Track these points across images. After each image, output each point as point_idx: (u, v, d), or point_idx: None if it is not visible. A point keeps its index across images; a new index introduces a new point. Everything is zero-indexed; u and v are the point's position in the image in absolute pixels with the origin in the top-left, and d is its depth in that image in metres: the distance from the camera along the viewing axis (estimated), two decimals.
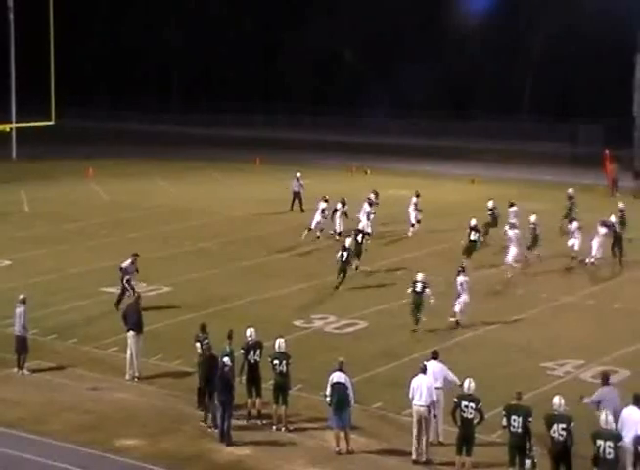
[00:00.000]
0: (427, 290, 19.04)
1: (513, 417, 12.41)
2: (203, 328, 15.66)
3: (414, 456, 13.49)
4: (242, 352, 14.87)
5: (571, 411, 12.37)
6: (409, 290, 19.29)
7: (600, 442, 11.59)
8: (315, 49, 62.31)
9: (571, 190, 29.64)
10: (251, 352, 14.83)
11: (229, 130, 58.43)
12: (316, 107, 60.82)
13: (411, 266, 24.44)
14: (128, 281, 20.47)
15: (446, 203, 33.55)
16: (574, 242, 24.49)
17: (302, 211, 31.68)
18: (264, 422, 14.73)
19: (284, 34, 64.09)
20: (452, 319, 19.43)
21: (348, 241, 23.13)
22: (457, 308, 19.36)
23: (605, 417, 11.79)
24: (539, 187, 34.82)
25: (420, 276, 19.20)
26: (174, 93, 69.08)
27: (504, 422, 12.53)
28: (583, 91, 44.18)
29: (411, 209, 28.51)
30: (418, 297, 19.06)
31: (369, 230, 26.64)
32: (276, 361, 14.55)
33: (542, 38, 54.04)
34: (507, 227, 24.88)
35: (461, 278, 19.41)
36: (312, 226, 27.72)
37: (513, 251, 23.75)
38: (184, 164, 44.87)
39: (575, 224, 24.96)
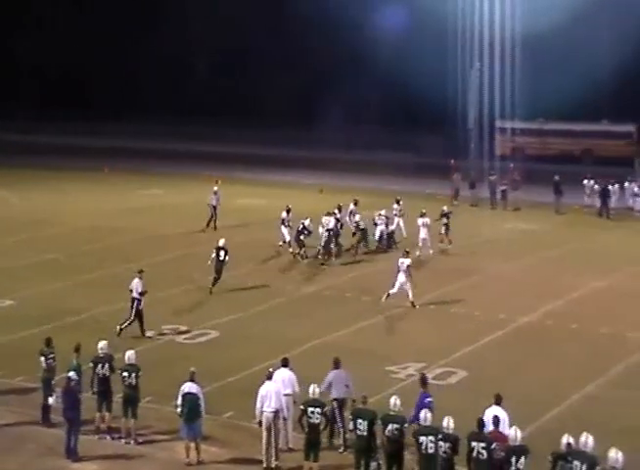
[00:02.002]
0: (227, 257, 22.51)
1: (359, 421, 12.81)
2: (48, 342, 15.28)
3: (264, 464, 13.71)
4: (91, 365, 14.63)
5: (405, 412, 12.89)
6: (212, 255, 22.64)
7: (422, 438, 12.16)
8: (165, 56, 61.71)
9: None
10: (100, 366, 14.62)
11: (77, 139, 56.72)
12: (166, 115, 60.18)
13: (263, 277, 24.81)
14: None
15: (296, 212, 34.02)
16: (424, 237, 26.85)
17: (215, 228, 30.17)
18: (114, 436, 14.53)
19: (137, 39, 63.00)
20: (410, 299, 21.58)
21: (222, 241, 23.28)
22: (410, 294, 21.63)
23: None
24: (385, 196, 36.05)
25: (222, 242, 22.59)
26: (22, 101, 66.29)
27: (351, 426, 12.94)
28: (427, 103, 46.06)
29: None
30: (219, 264, 22.54)
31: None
32: (125, 373, 14.41)
33: (388, 50, 55.89)
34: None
35: (404, 260, 21.72)
36: (286, 239, 26.98)
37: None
38: (29, 173, 43.20)
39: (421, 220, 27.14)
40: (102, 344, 14.85)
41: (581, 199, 36.59)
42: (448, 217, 28.57)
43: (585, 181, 36.92)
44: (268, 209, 31.07)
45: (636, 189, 35.50)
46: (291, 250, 26.85)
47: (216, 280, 22.95)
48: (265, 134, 56.70)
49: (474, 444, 11.98)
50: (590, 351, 19.07)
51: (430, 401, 13.47)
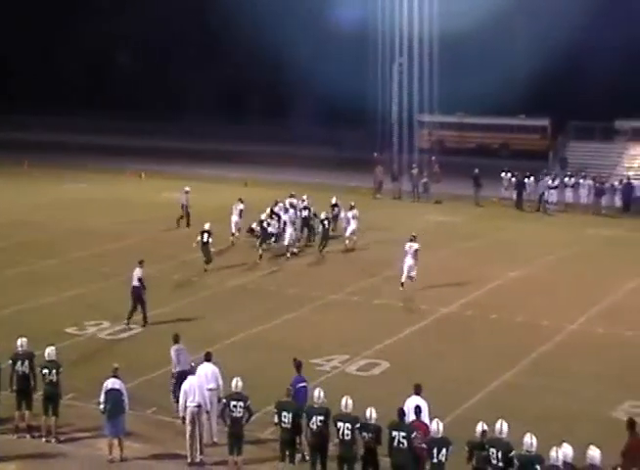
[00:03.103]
0: (211, 239, 23.87)
1: (283, 413, 12.89)
2: None
3: (189, 459, 13.70)
4: (9, 362, 14.34)
5: (330, 403, 13.06)
6: (198, 238, 23.92)
7: (340, 424, 12.39)
8: (89, 50, 60.56)
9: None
10: (19, 363, 14.34)
11: None
12: (90, 109, 59.10)
13: (187, 271, 24.68)
14: None
15: (221, 205, 33.96)
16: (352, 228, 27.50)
17: (188, 225, 29.87)
18: (34, 435, 14.29)
19: (58, 34, 61.62)
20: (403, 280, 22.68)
21: (207, 225, 24.57)
22: (413, 274, 22.86)
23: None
24: (311, 189, 36.26)
25: (207, 225, 23.95)
26: None
27: (275, 419, 12.99)
28: (348, 98, 46.45)
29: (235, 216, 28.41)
30: (205, 247, 23.89)
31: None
32: (45, 370, 14.19)
33: (310, 46, 56.04)
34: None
35: (412, 244, 22.97)
36: (234, 230, 27.82)
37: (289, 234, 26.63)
38: None
39: (351, 213, 27.66)
40: (21, 341, 14.58)
41: (499, 191, 37.58)
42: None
43: (503, 174, 37.92)
44: (194, 203, 30.87)
45: (550, 182, 36.68)
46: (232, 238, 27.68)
47: (207, 262, 24.42)
48: (190, 128, 56.28)
49: (394, 433, 12.24)
50: (507, 340, 19.63)
51: (303, 387, 13.69)
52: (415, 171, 38.70)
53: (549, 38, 43.94)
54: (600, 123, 42.50)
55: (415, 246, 22.94)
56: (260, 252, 26.08)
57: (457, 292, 23.07)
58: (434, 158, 40.56)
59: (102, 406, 13.74)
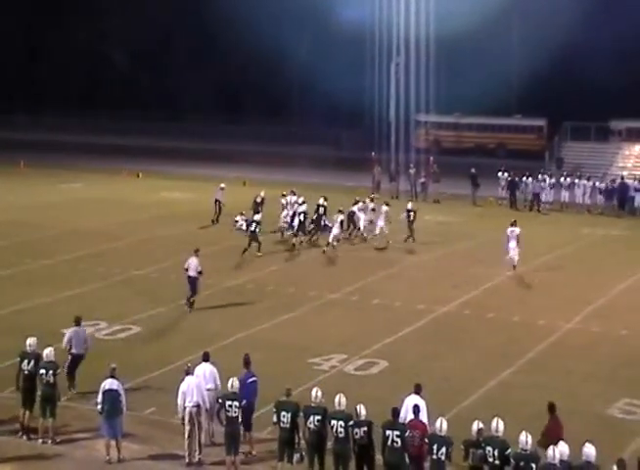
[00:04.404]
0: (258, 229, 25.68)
1: (282, 413, 12.91)
2: None
3: (187, 459, 13.73)
4: (18, 360, 14.41)
5: (329, 403, 13.12)
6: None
7: (334, 422, 12.47)
8: (82, 51, 60.55)
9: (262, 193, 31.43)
10: (25, 362, 14.39)
11: None
12: (87, 109, 59.11)
13: (181, 268, 24.69)
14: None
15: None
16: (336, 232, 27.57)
17: (216, 221, 30.64)
18: (31, 437, 14.30)
19: (48, 34, 61.60)
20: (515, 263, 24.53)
21: (257, 217, 26.23)
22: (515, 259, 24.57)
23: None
24: (308, 189, 36.32)
25: (257, 217, 26.11)
26: None
27: (274, 418, 13.01)
28: (347, 97, 46.52)
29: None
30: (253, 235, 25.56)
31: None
32: (43, 371, 14.18)
33: (308, 45, 56.14)
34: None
35: (514, 229, 24.97)
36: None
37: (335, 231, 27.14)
38: None
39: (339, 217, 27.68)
40: (31, 340, 14.60)
41: (497, 191, 37.64)
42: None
43: (500, 174, 37.98)
44: (192, 202, 30.97)
45: (543, 183, 36.83)
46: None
47: (258, 247, 26.00)
48: (188, 128, 56.33)
49: (388, 432, 12.28)
50: (504, 339, 19.68)
51: (253, 382, 13.71)
52: (413, 171, 38.75)
53: (545, 39, 44.05)
54: (595, 124, 42.63)
55: (517, 230, 25.00)
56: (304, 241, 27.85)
57: (454, 291, 23.12)
58: (431, 157, 40.62)
59: (99, 407, 13.73)
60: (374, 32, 45.43)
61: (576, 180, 37.02)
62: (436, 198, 37.24)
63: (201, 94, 57.28)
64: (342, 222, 27.81)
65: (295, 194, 30.10)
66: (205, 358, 14.52)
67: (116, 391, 13.74)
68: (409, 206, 29.12)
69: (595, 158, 41.75)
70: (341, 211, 28.09)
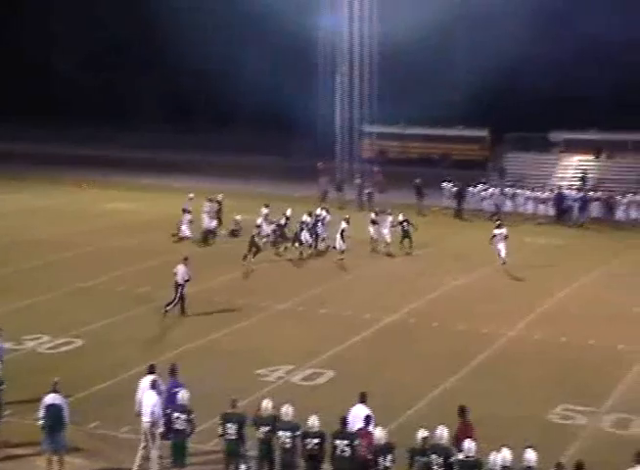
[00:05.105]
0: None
1: (228, 425, 12.88)
2: None
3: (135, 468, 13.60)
4: None
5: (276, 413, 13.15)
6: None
7: (281, 433, 12.46)
8: (27, 56, 59.51)
9: (220, 196, 32.27)
10: None
11: None
12: (23, 117, 58.02)
13: (133, 282, 24.49)
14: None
15: (167, 215, 33.79)
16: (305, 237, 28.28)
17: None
18: None
19: None
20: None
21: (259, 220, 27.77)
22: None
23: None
24: (256, 198, 36.37)
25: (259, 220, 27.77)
26: None
27: (220, 430, 12.97)
28: (294, 107, 46.68)
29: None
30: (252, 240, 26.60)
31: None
32: None
33: (257, 54, 56.19)
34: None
35: (501, 230, 27.31)
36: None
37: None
38: None
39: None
40: None
41: (441, 200, 38.16)
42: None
43: (444, 183, 38.54)
44: (139, 212, 30.74)
45: (483, 193, 37.56)
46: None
47: (256, 253, 26.66)
48: (136, 137, 55.78)
49: (337, 441, 12.37)
50: (449, 347, 19.96)
51: (179, 390, 13.60)
52: (359, 181, 39.03)
53: (489, 50, 44.84)
54: (536, 135, 43.58)
55: (504, 232, 27.26)
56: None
57: (401, 300, 23.37)
58: (376, 168, 40.95)
59: (41, 422, 13.51)
60: (321, 43, 45.72)
61: (518, 190, 37.77)
62: (382, 208, 37.53)
63: (149, 103, 56.80)
64: (343, 231, 28.13)
65: (267, 207, 30.21)
66: (151, 371, 14.43)
67: (59, 405, 13.56)
68: (400, 217, 29.99)
69: (536, 168, 42.64)
70: (347, 221, 28.69)
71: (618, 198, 36.55)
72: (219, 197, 32.44)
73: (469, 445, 11.76)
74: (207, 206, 30.95)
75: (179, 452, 13.16)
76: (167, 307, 21.31)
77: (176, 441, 13.15)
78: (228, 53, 53.49)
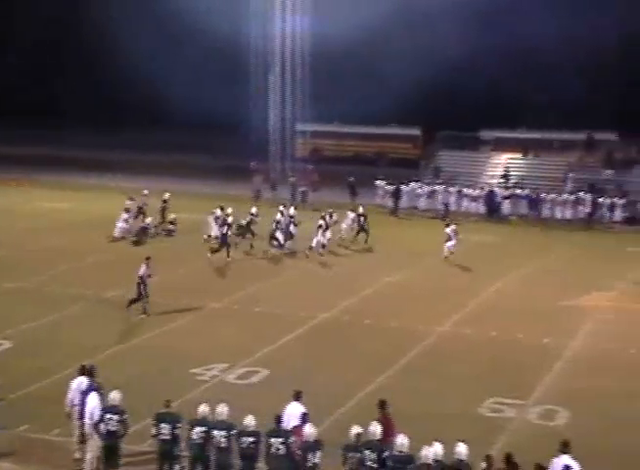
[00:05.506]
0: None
1: (162, 425, 12.78)
2: None
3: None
4: None
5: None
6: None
7: (215, 432, 12.43)
8: None
9: (167, 195, 32.20)
10: None
11: None
12: None
13: (62, 282, 24.09)
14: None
15: (101, 214, 33.31)
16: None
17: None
18: None
19: None
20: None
21: (254, 209, 28.26)
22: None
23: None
24: (190, 198, 36.12)
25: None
26: None
27: (154, 431, 12.88)
28: (223, 106, 46.50)
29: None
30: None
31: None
32: None
33: (187, 53, 55.77)
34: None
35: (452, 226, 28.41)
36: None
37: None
38: None
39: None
40: None
41: (375, 199, 38.53)
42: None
43: (378, 182, 38.93)
44: (72, 212, 30.26)
45: (419, 190, 38.10)
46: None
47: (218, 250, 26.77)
48: (66, 136, 54.78)
49: (272, 440, 12.43)
50: (382, 344, 20.20)
51: (95, 389, 13.56)
52: (293, 180, 39.12)
53: (423, 49, 45.48)
54: (467, 133, 44.37)
55: (454, 227, 28.70)
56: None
57: (335, 298, 23.53)
58: (310, 166, 41.09)
59: None
60: (253, 42, 45.65)
61: (450, 188, 38.43)
62: (316, 206, 37.72)
63: (80, 102, 55.87)
64: (320, 227, 28.53)
65: (222, 209, 29.89)
66: (82, 372, 14.24)
67: None
68: (360, 210, 30.90)
69: (468, 166, 43.39)
70: (323, 218, 29.00)
71: (543, 195, 37.53)
72: (166, 195, 32.11)
73: (402, 440, 11.96)
74: (129, 204, 30.71)
75: (112, 454, 13.03)
76: (130, 302, 21.42)
77: (109, 442, 13.01)
78: (161, 53, 53.05)
